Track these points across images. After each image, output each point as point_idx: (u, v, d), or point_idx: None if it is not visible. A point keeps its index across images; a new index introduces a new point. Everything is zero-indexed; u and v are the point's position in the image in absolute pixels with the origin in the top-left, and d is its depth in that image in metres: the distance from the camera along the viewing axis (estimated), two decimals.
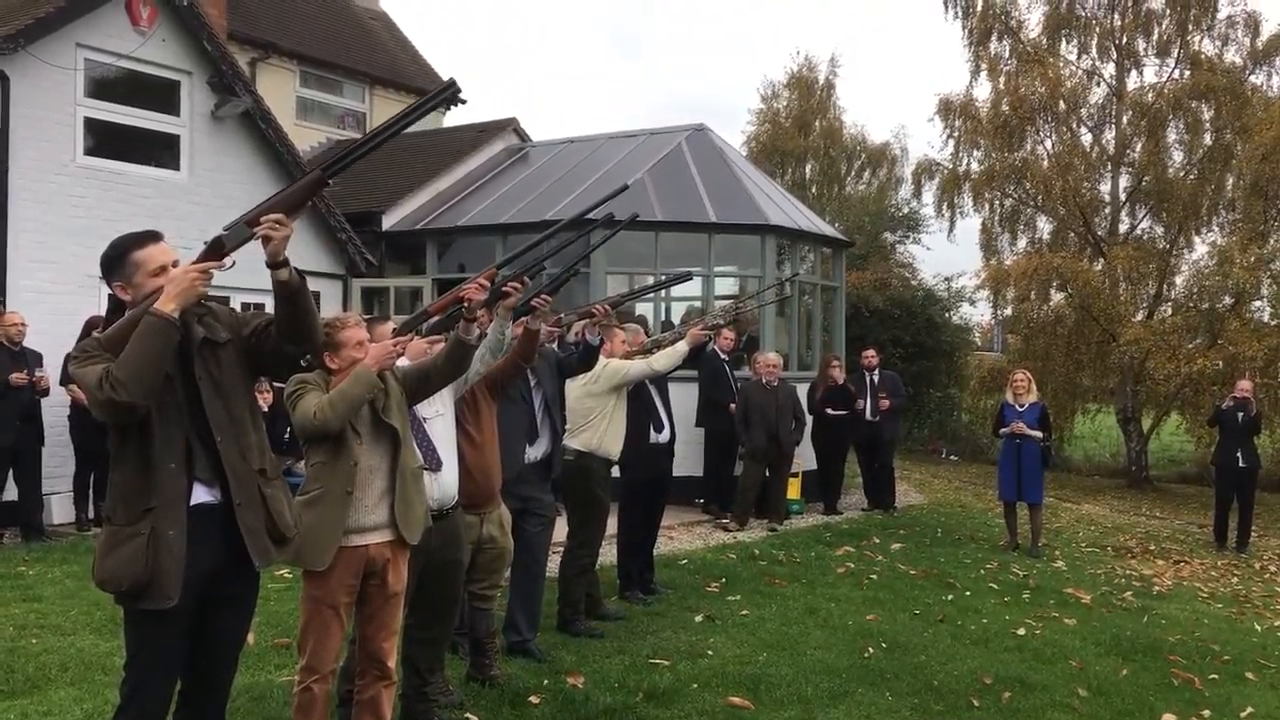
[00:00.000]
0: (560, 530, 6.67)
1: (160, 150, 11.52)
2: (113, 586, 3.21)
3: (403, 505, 4.21)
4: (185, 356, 3.26)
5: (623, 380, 6.86)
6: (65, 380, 8.99)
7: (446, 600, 4.88)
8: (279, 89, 17.50)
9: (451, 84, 3.38)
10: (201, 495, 3.28)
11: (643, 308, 14.81)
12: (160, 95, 11.47)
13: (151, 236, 3.36)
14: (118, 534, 3.21)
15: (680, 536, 10.44)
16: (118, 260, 3.31)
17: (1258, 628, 8.29)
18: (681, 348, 7.12)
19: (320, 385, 4.14)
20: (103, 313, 7.70)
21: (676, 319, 14.76)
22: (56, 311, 9.98)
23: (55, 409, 9.65)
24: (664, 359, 7.08)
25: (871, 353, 13.20)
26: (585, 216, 5.54)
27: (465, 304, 4.38)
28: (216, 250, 3.24)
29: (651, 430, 7.59)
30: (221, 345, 3.37)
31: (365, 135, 3.34)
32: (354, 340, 4.18)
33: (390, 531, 4.21)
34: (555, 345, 6.66)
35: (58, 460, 9.85)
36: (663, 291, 14.72)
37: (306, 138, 16.47)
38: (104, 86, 10.99)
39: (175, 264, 3.28)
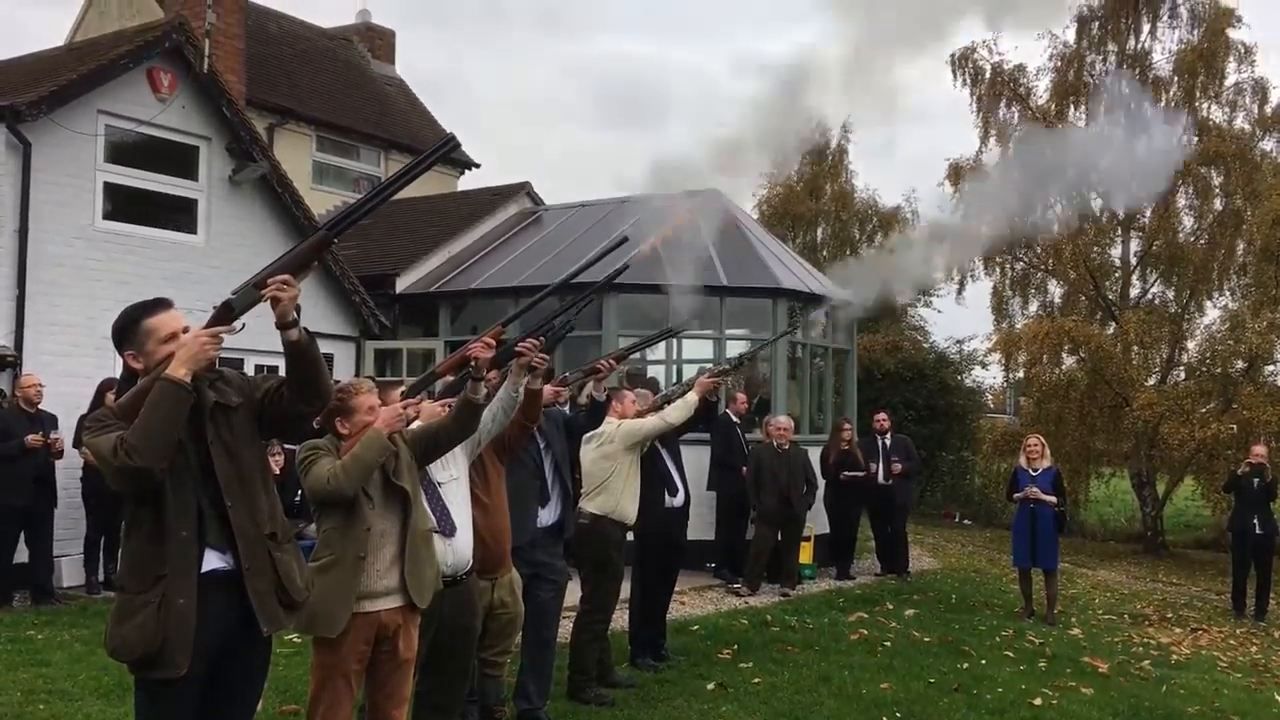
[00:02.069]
0: (572, 595, 6.62)
1: (178, 214, 11.65)
2: (124, 655, 3.21)
3: (413, 569, 4.20)
4: (197, 421, 3.28)
5: (638, 437, 6.83)
6: (79, 442, 9.02)
7: (458, 667, 4.84)
8: (296, 153, 17.74)
9: (450, 139, 3.42)
10: (213, 562, 3.29)
11: (655, 370, 14.81)
12: (179, 160, 11.61)
13: (161, 304, 3.39)
14: (129, 602, 3.22)
15: (692, 601, 10.35)
16: (129, 329, 3.34)
17: (1278, 698, 8.16)
18: (691, 397, 7.06)
19: (331, 451, 4.15)
20: (118, 376, 7.75)
21: None
22: (73, 374, 10.04)
23: (69, 471, 9.66)
24: (676, 411, 7.01)
25: (883, 416, 13.18)
26: (574, 279, 5.52)
27: (472, 363, 4.39)
28: (225, 314, 3.28)
29: (665, 494, 7.56)
30: (234, 409, 3.39)
31: (367, 193, 3.37)
32: (366, 406, 4.21)
33: (401, 597, 4.19)
34: (566, 407, 6.67)
35: (69, 523, 9.84)
36: (675, 354, 14.76)
37: (323, 202, 16.64)
38: (124, 151, 11.14)
39: (185, 330, 3.31)
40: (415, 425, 4.50)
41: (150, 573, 3.20)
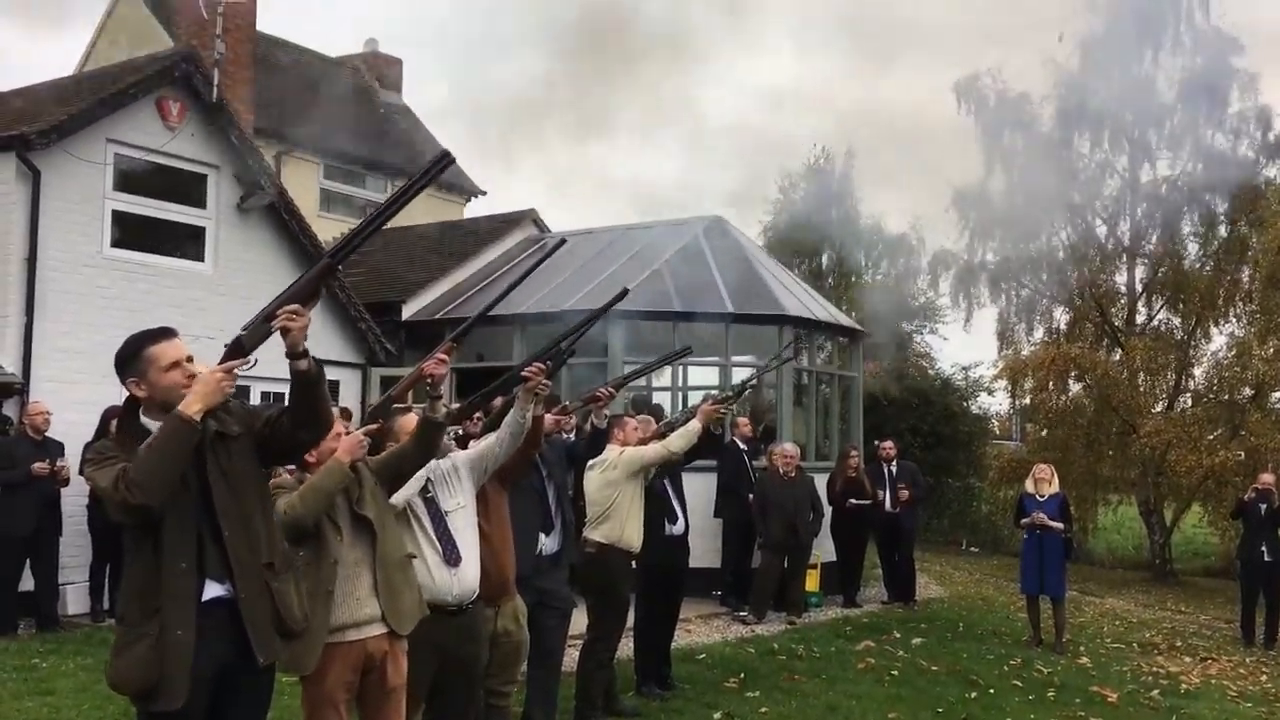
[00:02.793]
0: (577, 623, 6.60)
1: (186, 242, 11.69)
2: (123, 688, 3.21)
3: (388, 596, 4.16)
4: (198, 451, 3.28)
5: (641, 465, 6.80)
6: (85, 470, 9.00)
7: (465, 698, 4.81)
8: (303, 181, 17.84)
9: (445, 155, 3.42)
10: (214, 591, 3.28)
11: (660, 397, 14.80)
12: (187, 188, 11.66)
13: (165, 333, 3.40)
14: (128, 634, 3.22)
15: (698, 629, 10.31)
16: (131, 357, 3.37)
17: None
18: (694, 426, 7.00)
19: (294, 488, 4.14)
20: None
21: None
22: (80, 402, 10.02)
23: (74, 499, 9.66)
24: (679, 439, 6.94)
25: (889, 444, 13.15)
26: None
27: (428, 381, 4.32)
28: (238, 350, 3.29)
29: (666, 522, 7.54)
30: (234, 439, 3.39)
31: (367, 217, 3.38)
32: (331, 432, 4.19)
33: (385, 624, 4.17)
34: (573, 436, 6.65)
35: (74, 550, 9.83)
36: (681, 381, 14.77)
37: (330, 229, 16.70)
38: (132, 179, 11.19)
39: (190, 359, 3.32)
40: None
41: (149, 604, 3.20)
